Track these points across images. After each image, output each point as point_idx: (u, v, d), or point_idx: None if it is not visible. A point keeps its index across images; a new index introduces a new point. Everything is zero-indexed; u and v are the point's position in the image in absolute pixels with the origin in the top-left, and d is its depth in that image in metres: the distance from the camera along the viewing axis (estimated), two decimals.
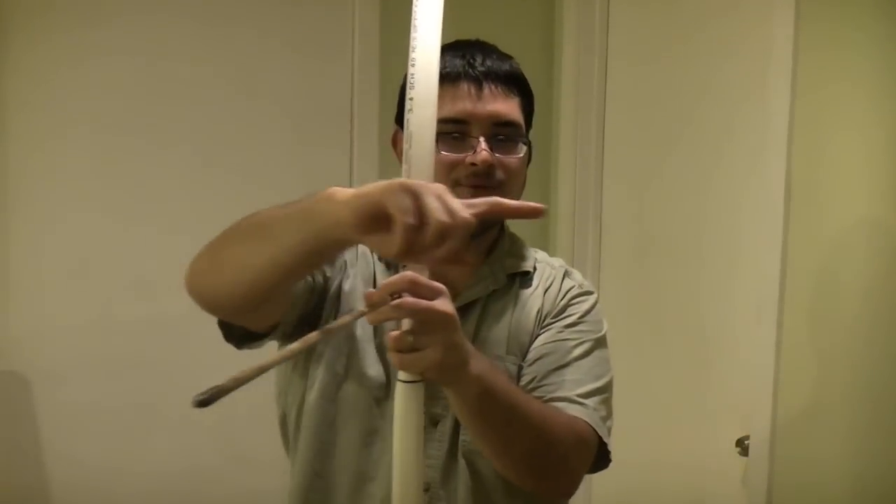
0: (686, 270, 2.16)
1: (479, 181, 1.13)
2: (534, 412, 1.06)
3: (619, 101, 2.37)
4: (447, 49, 1.17)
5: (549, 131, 2.48)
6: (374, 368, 1.17)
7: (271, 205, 1.02)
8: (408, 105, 0.94)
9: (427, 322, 0.90)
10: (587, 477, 1.17)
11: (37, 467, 1.90)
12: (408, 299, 0.88)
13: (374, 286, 1.19)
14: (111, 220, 1.96)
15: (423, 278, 0.90)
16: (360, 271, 1.21)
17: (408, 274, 0.90)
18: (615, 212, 2.39)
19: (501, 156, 1.15)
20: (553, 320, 1.21)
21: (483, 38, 1.24)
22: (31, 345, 1.89)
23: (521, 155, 1.17)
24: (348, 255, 1.22)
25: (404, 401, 0.95)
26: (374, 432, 1.16)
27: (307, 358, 1.19)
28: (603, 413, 1.16)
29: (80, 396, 1.91)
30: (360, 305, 1.11)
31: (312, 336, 0.84)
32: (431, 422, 1.15)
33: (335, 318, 1.17)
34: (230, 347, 1.40)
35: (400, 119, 1.15)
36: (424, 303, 0.89)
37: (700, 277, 2.12)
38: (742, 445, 1.93)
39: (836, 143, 1.74)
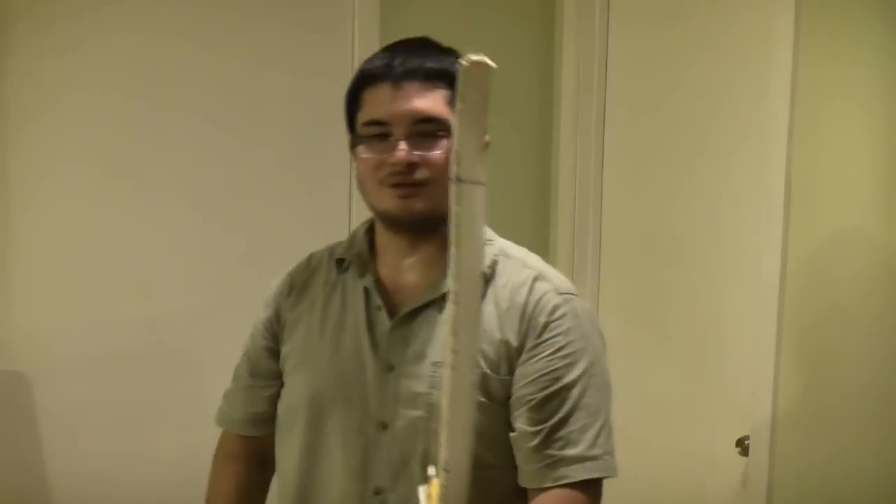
0: (686, 270, 2.16)
1: (401, 180, 1.15)
2: None
3: (619, 101, 2.37)
4: (380, 50, 1.23)
5: (549, 132, 2.48)
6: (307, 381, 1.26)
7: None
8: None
9: None
10: None
11: (37, 467, 1.90)
12: None
13: (341, 293, 1.26)
14: (111, 220, 1.96)
15: None
16: (318, 298, 1.29)
17: None
18: (615, 212, 2.39)
19: (424, 152, 1.15)
20: (537, 342, 1.17)
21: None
22: (31, 345, 1.89)
23: (448, 149, 1.15)
24: (290, 316, 1.31)
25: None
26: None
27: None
28: (610, 447, 1.17)
29: (81, 396, 1.91)
30: (304, 327, 1.26)
31: None
32: (381, 427, 1.19)
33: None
34: (229, 347, 1.42)
35: (349, 126, 1.24)
36: None
37: (700, 277, 2.12)
38: (742, 445, 1.93)
39: (837, 144, 1.74)
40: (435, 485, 0.87)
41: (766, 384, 1.84)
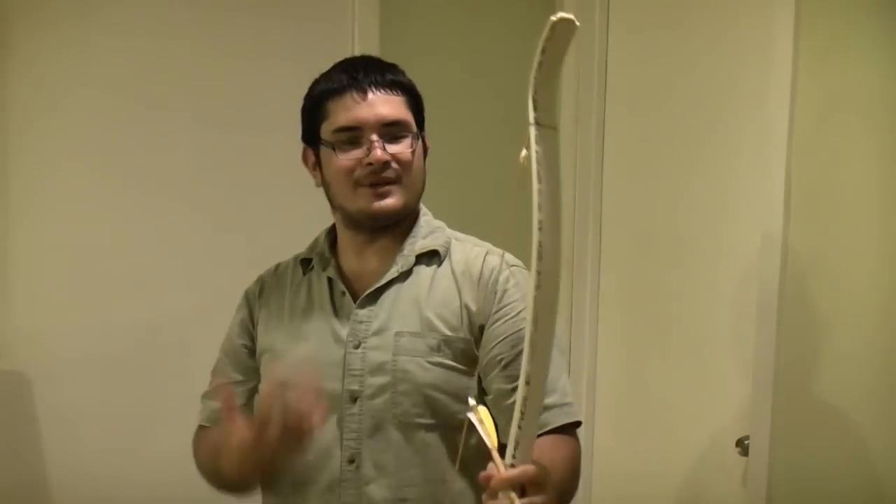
0: (686, 270, 2.16)
1: (377, 178, 1.27)
2: (563, 477, 1.14)
3: (619, 101, 2.37)
4: (334, 68, 1.32)
5: None
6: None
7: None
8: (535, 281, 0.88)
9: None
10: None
11: (37, 467, 1.90)
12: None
13: (309, 293, 1.35)
14: (111, 220, 1.96)
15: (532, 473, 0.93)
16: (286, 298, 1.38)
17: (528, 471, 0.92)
18: (615, 212, 2.39)
19: (395, 151, 1.28)
20: (498, 307, 1.28)
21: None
22: (31, 345, 1.89)
23: (413, 148, 1.30)
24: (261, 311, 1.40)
25: None
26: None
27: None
28: (574, 399, 1.30)
29: (80, 396, 1.91)
30: (275, 323, 1.37)
31: None
32: (351, 398, 1.28)
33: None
34: None
35: (306, 138, 1.36)
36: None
37: (700, 277, 2.12)
38: (742, 445, 1.93)
39: (836, 144, 1.75)
40: (481, 410, 0.97)
41: (766, 384, 1.84)
